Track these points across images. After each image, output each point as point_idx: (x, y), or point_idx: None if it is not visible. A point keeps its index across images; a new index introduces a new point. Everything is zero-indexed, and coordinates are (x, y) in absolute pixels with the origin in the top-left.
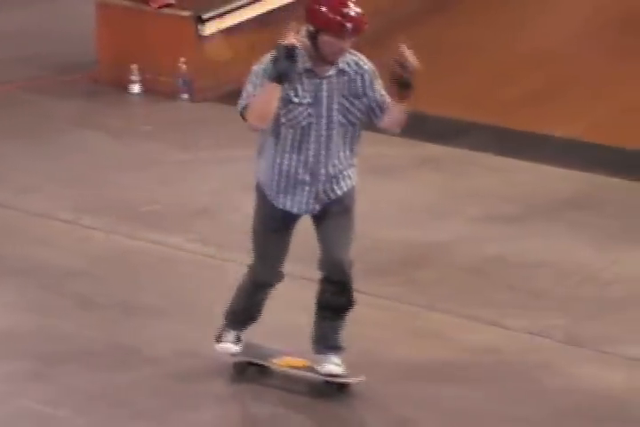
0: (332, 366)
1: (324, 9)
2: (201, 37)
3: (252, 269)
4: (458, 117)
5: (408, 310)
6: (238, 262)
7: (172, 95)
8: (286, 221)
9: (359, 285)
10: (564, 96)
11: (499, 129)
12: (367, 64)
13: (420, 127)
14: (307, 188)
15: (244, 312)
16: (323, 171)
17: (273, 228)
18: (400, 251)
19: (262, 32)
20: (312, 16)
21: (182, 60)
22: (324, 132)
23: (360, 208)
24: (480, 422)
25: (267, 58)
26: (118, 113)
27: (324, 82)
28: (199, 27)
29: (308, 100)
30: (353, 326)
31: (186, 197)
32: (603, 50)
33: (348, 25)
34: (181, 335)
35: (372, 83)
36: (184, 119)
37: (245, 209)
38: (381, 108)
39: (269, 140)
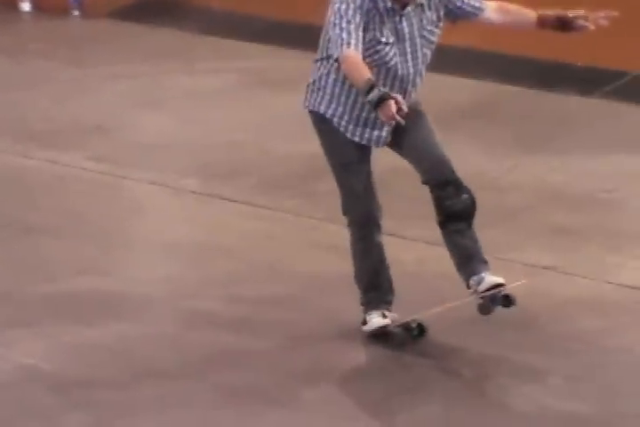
0: (492, 277)
1: None
2: None
3: (348, 208)
4: None
5: (307, 222)
6: (134, 179)
7: (64, 12)
8: (363, 150)
9: (258, 199)
10: None
11: None
12: None
13: (316, 39)
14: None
15: (371, 279)
16: (405, 102)
17: (351, 159)
18: (298, 164)
19: None
20: None
21: None
22: (411, 69)
23: (257, 122)
24: None
25: None
26: (8, 31)
27: (404, 19)
28: None
29: (392, 38)
30: (253, 240)
31: (80, 115)
32: None
33: None
34: (78, 253)
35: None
36: (76, 36)
37: (140, 126)
38: (465, 10)
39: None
